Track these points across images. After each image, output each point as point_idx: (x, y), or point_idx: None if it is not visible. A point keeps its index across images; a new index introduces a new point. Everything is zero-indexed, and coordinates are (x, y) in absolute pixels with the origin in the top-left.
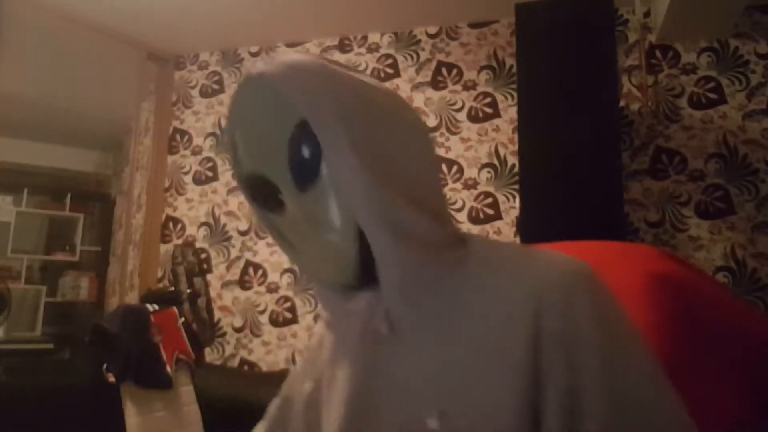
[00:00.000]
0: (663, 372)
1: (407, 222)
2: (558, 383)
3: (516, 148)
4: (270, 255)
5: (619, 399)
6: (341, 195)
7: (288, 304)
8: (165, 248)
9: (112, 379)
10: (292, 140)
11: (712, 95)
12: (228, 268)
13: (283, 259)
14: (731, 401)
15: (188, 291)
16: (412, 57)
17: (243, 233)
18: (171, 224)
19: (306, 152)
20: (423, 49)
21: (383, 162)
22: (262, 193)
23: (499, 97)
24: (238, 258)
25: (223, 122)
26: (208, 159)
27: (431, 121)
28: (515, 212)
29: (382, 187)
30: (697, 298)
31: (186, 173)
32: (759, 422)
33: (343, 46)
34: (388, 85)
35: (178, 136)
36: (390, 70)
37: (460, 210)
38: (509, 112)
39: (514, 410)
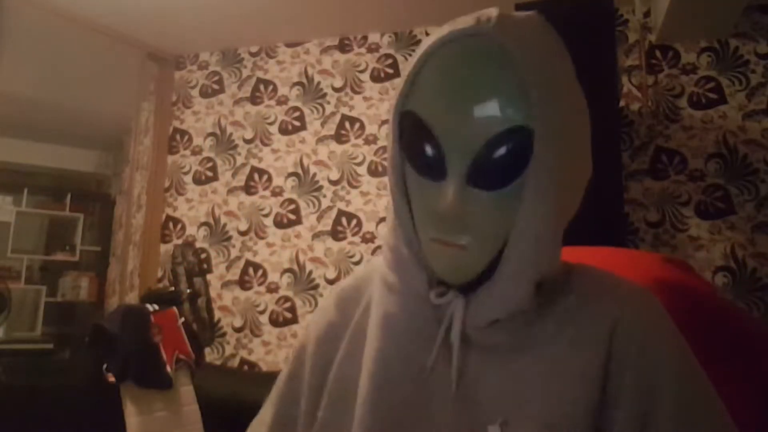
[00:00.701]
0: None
1: (548, 257)
2: (630, 406)
3: None
4: (270, 255)
5: (691, 425)
6: (521, 222)
7: (288, 304)
8: (165, 248)
9: (112, 379)
10: (497, 139)
11: (712, 95)
12: (228, 268)
13: (283, 259)
14: (738, 405)
15: (188, 291)
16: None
17: (243, 233)
18: (171, 224)
19: (503, 159)
20: None
21: (568, 199)
22: (413, 137)
23: None
24: (238, 258)
25: (427, 44)
26: (208, 159)
27: None
28: None
29: (555, 225)
30: (700, 303)
31: (186, 173)
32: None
33: (343, 46)
34: (388, 85)
35: (178, 136)
36: (390, 70)
37: None
38: None
39: (575, 425)
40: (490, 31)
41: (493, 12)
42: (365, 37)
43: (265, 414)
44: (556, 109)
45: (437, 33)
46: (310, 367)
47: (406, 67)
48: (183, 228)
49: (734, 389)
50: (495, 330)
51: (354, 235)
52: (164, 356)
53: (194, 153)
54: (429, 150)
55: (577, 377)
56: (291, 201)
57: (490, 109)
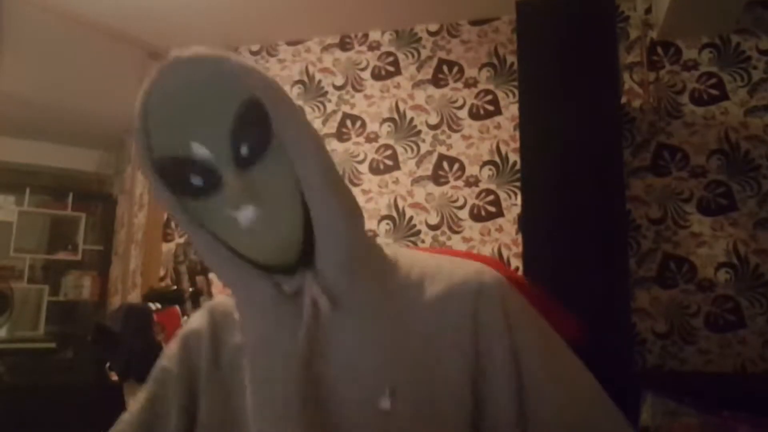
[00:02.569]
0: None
1: (351, 199)
2: (498, 353)
3: (517, 145)
4: None
5: (557, 371)
6: (297, 169)
7: None
8: (167, 247)
9: (114, 377)
10: (237, 117)
11: (713, 91)
12: None
13: None
14: None
15: (190, 290)
16: (413, 55)
17: None
18: (173, 223)
19: (252, 129)
20: (424, 47)
21: (323, 150)
22: (177, 179)
23: (500, 95)
24: None
25: (138, 98)
26: None
27: (432, 119)
28: (517, 209)
29: (333, 168)
30: (529, 297)
31: None
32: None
33: (344, 44)
34: (389, 83)
35: None
36: (391, 68)
37: (461, 207)
38: (510, 109)
39: (455, 389)
40: (184, 56)
41: (177, 53)
42: (366, 35)
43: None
44: (270, 79)
45: (144, 85)
46: (175, 385)
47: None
48: None
49: None
50: (362, 291)
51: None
52: None
53: None
54: (194, 176)
55: (451, 344)
56: None
57: (217, 100)
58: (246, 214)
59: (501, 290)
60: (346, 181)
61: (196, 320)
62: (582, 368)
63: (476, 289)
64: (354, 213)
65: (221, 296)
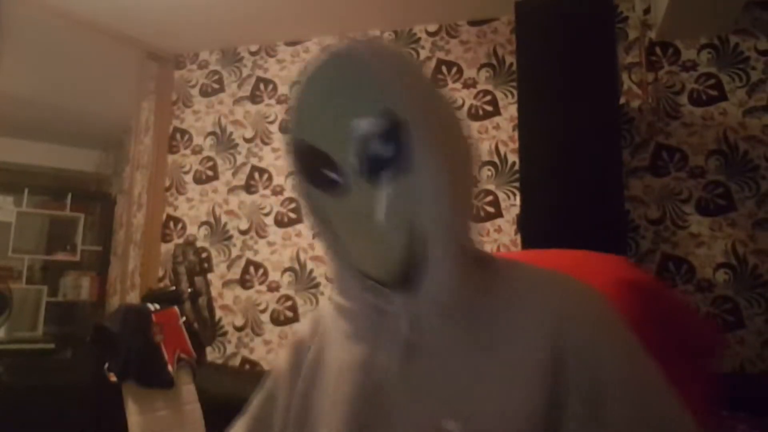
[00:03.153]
0: (675, 391)
1: (465, 236)
2: (579, 399)
3: (516, 145)
4: (271, 254)
5: (642, 412)
6: (422, 203)
7: (289, 303)
8: (166, 247)
9: (113, 378)
10: (380, 135)
11: (712, 92)
12: (229, 267)
13: (284, 258)
14: (696, 396)
15: (189, 290)
16: (412, 55)
17: (244, 232)
18: (172, 223)
19: (389, 150)
20: (423, 47)
21: (458, 179)
22: (312, 166)
23: (499, 95)
24: (239, 257)
25: (300, 76)
26: (209, 158)
27: None
28: (516, 210)
29: (455, 204)
30: (660, 303)
31: (186, 172)
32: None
33: None
34: None
35: (178, 136)
36: None
37: None
38: (509, 109)
39: (525, 418)
40: (346, 52)
41: (340, 43)
42: (365, 36)
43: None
44: (418, 98)
45: (308, 66)
46: (284, 390)
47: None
48: (184, 227)
49: (687, 389)
50: (449, 325)
51: None
52: (165, 355)
53: (194, 152)
54: (324, 169)
55: (529, 375)
56: (292, 199)
57: (366, 113)
58: (357, 232)
59: (594, 318)
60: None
61: (302, 328)
62: (673, 411)
63: (565, 316)
64: (464, 249)
65: (325, 306)
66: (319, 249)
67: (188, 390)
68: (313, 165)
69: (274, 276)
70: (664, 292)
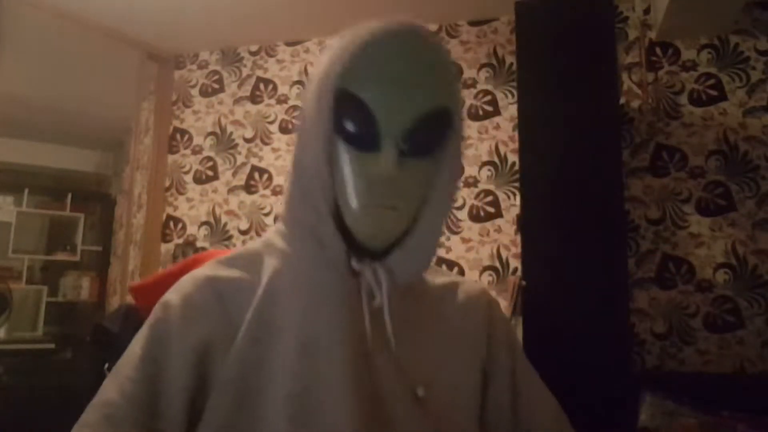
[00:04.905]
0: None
1: (445, 224)
2: (504, 363)
3: (516, 145)
4: None
5: (540, 387)
6: (440, 185)
7: None
8: (166, 248)
9: None
10: (429, 114)
11: (712, 92)
12: None
13: None
14: None
15: None
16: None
17: (243, 232)
18: (171, 224)
19: (432, 131)
20: None
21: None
22: (345, 114)
23: (499, 95)
24: None
25: (367, 29)
26: (209, 158)
27: None
28: (516, 210)
29: (454, 195)
30: None
31: (186, 173)
32: None
33: None
34: None
35: (178, 136)
36: None
37: (460, 208)
38: (509, 110)
39: (472, 382)
40: (415, 29)
41: (412, 20)
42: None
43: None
44: (461, 95)
45: (365, 29)
46: (210, 323)
47: (337, 51)
48: (184, 227)
49: None
50: (407, 302)
51: None
52: None
53: (194, 152)
54: (364, 125)
55: (470, 347)
56: None
57: (422, 93)
58: (373, 198)
59: (502, 313)
60: None
61: (196, 291)
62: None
63: (487, 303)
64: (444, 229)
65: (215, 267)
66: None
67: None
68: (350, 115)
69: None
70: None
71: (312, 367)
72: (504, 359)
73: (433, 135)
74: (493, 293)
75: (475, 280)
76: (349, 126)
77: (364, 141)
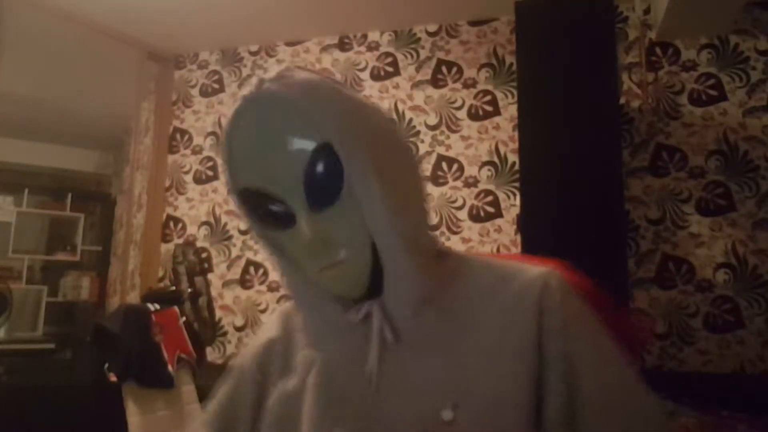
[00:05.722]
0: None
1: (419, 239)
2: (557, 369)
3: (516, 145)
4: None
5: (608, 383)
6: (366, 217)
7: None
8: (166, 248)
9: (113, 378)
10: (311, 163)
11: (712, 92)
12: (229, 267)
13: None
14: None
15: (189, 290)
16: (411, 55)
17: (244, 232)
18: (172, 224)
19: (325, 176)
20: (423, 47)
21: (399, 184)
22: (259, 207)
23: (499, 95)
24: (239, 257)
25: (223, 130)
26: (209, 158)
27: (431, 119)
28: (516, 210)
29: (401, 209)
30: (593, 304)
31: (186, 172)
32: None
33: (343, 45)
34: (387, 83)
35: (178, 136)
36: (390, 69)
37: (460, 208)
38: (509, 109)
39: (519, 396)
40: (266, 89)
41: (260, 79)
42: (365, 36)
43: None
44: (344, 119)
45: (227, 119)
46: (251, 386)
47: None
48: (184, 227)
49: None
50: (423, 320)
51: None
52: (166, 356)
53: (194, 152)
54: (270, 210)
55: (514, 353)
56: None
57: (294, 148)
58: (317, 261)
59: (563, 295)
60: (423, 210)
61: (271, 327)
62: (635, 383)
63: (540, 292)
64: (420, 251)
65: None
66: None
67: (188, 390)
68: (259, 204)
69: (274, 276)
70: (595, 295)
71: (328, 414)
72: (554, 356)
73: (327, 179)
74: None
75: (536, 267)
76: (264, 216)
77: (281, 222)
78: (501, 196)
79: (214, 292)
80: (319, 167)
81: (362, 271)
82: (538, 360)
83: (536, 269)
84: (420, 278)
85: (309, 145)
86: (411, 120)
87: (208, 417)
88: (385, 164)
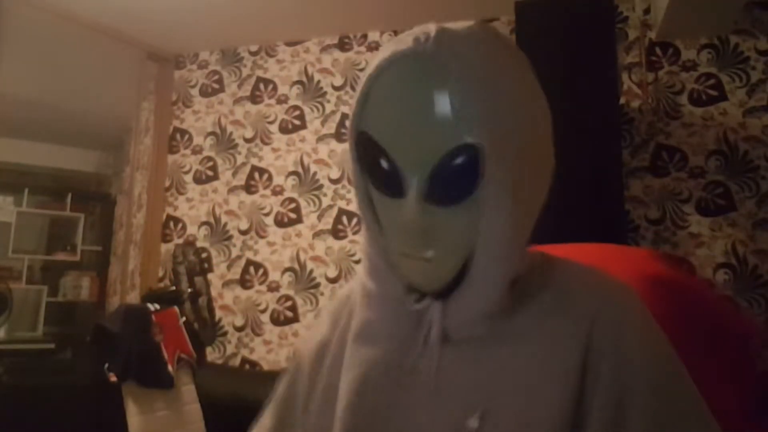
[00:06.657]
0: (701, 395)
1: (516, 259)
2: (603, 400)
3: None
4: (271, 254)
5: (665, 420)
6: (482, 228)
7: (289, 303)
8: (166, 248)
9: (113, 378)
10: (449, 154)
11: (712, 92)
12: (229, 267)
13: (284, 258)
14: (728, 395)
15: (189, 290)
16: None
17: (244, 232)
18: (172, 224)
19: (458, 175)
20: None
21: (528, 200)
22: (370, 157)
23: None
24: (239, 257)
25: (366, 71)
26: (209, 158)
27: None
28: None
29: (520, 228)
30: (686, 297)
31: (186, 172)
32: (756, 411)
33: (343, 45)
34: None
35: (178, 136)
36: None
37: None
38: None
39: (553, 415)
40: (428, 51)
41: (431, 29)
42: (365, 36)
43: (266, 420)
44: (503, 122)
45: (380, 54)
46: (307, 374)
47: (358, 87)
48: (184, 227)
49: (718, 388)
50: (473, 325)
51: (355, 233)
52: (165, 355)
53: (194, 152)
54: (386, 169)
55: (555, 372)
56: (291, 200)
57: (437, 128)
58: (403, 245)
59: (623, 316)
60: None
61: (323, 322)
62: (698, 410)
63: (597, 309)
64: (510, 270)
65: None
66: (319, 249)
67: (188, 390)
68: (374, 159)
69: (274, 276)
70: (691, 285)
71: (362, 404)
72: (605, 373)
73: (459, 179)
74: None
75: (606, 278)
76: (374, 171)
77: (390, 186)
78: None
79: (214, 292)
80: (456, 161)
81: (442, 277)
82: (579, 384)
83: (607, 283)
84: (499, 296)
85: (452, 137)
86: None
87: (272, 405)
88: (524, 180)
